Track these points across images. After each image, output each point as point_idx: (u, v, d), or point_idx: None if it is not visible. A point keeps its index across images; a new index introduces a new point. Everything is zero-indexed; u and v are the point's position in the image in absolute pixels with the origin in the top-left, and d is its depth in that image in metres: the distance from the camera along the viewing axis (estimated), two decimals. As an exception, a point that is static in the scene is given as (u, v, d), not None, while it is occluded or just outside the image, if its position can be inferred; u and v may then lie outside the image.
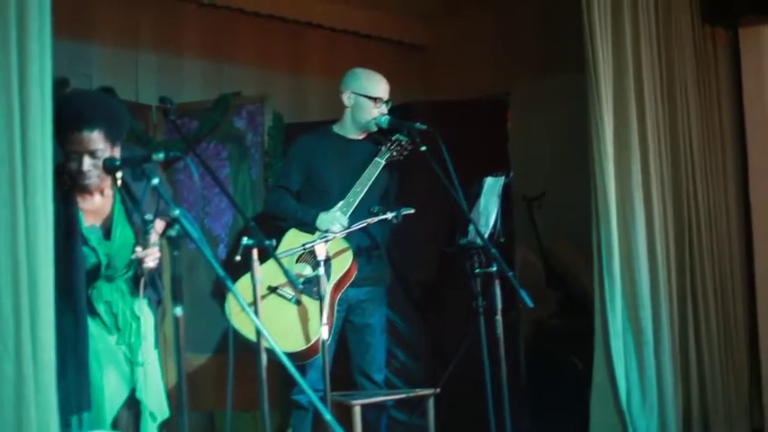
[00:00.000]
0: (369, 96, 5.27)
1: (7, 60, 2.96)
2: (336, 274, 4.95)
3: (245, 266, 3.57)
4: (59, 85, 3.71)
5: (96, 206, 3.96)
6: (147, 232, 3.72)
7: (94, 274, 3.94)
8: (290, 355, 4.57)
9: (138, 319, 4.03)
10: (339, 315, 5.14)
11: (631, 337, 5.43)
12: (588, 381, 5.41)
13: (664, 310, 5.56)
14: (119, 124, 3.82)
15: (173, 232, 3.18)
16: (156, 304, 4.15)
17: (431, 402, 5.11)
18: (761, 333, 6.35)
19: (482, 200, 5.14)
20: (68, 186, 3.83)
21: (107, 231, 3.96)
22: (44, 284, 3.02)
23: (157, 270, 4.02)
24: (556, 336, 6.73)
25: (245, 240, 3.55)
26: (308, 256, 4.92)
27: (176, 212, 3.18)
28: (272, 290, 4.92)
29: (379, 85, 5.32)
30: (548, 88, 7.09)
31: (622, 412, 5.29)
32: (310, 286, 4.79)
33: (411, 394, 5.23)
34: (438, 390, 5.12)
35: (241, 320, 4.64)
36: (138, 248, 3.78)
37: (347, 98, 5.32)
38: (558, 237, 7.06)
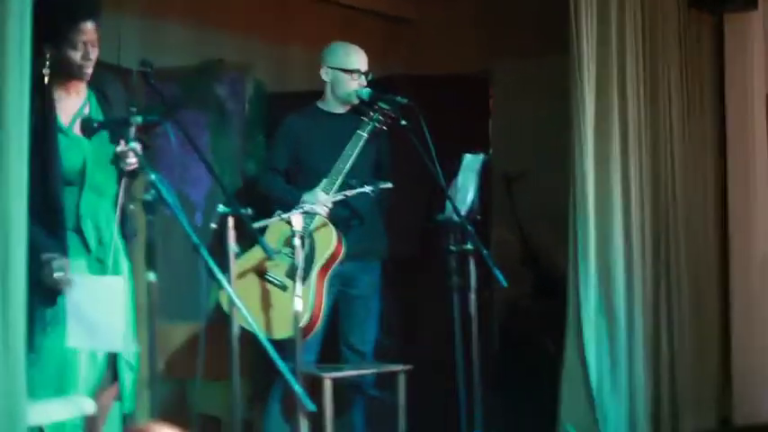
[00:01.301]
0: (345, 69, 5.26)
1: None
2: (321, 256, 4.96)
3: (221, 235, 3.56)
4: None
5: (73, 104, 4.04)
6: (128, 125, 3.71)
7: (81, 176, 3.96)
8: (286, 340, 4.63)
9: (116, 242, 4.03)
10: (333, 289, 5.16)
11: (604, 323, 5.44)
12: (560, 363, 5.42)
13: (637, 298, 5.57)
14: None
15: (148, 197, 3.17)
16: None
17: (402, 379, 5.12)
18: (733, 323, 6.39)
19: (460, 177, 5.12)
20: (47, 81, 3.93)
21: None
22: (16, 247, 3.00)
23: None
24: (529, 316, 6.74)
25: (220, 208, 3.54)
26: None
27: (152, 177, 3.17)
28: (261, 275, 4.94)
29: (354, 57, 5.29)
30: (532, 68, 7.07)
31: (592, 398, 5.31)
32: (296, 270, 4.78)
33: (382, 370, 5.24)
34: (409, 366, 5.13)
35: (223, 294, 4.66)
36: (122, 142, 3.76)
37: (325, 73, 5.30)
38: (535, 217, 7.06)
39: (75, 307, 3.66)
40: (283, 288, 4.89)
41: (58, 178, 3.87)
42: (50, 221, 3.83)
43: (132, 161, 3.83)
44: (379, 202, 5.25)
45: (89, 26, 3.91)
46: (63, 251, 3.82)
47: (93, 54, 3.96)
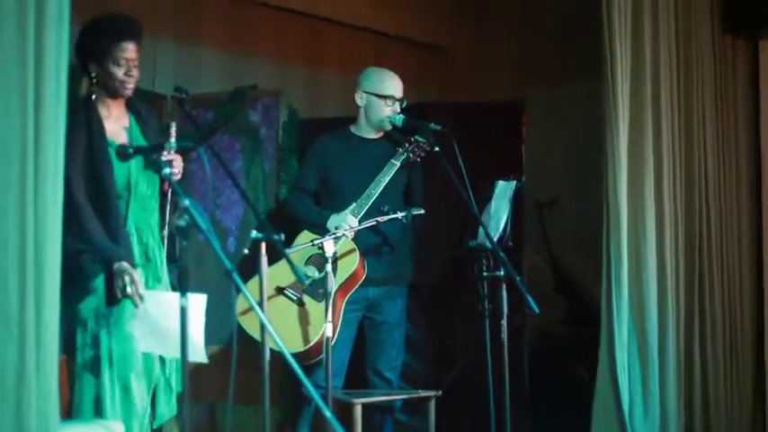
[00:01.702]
0: (379, 95, 5.27)
1: (24, 49, 2.96)
2: (341, 277, 4.96)
3: (254, 260, 3.57)
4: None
5: (116, 120, 4.16)
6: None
7: (127, 189, 4.07)
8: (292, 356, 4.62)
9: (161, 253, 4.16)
10: (355, 314, 5.19)
11: (636, 350, 5.41)
12: (591, 390, 5.39)
13: (670, 324, 5.53)
14: None
15: (182, 222, 3.19)
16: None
17: (432, 404, 5.11)
18: (767, 348, 6.33)
19: (493, 203, 5.13)
20: (94, 98, 4.09)
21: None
22: (50, 272, 3.02)
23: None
24: (561, 343, 6.71)
25: (253, 234, 3.56)
26: (317, 258, 4.93)
27: (186, 203, 3.19)
28: (280, 290, 4.94)
29: (390, 84, 5.31)
30: (565, 95, 7.07)
31: (624, 425, 5.27)
32: (315, 288, 4.82)
33: (412, 395, 5.22)
34: (440, 392, 5.12)
35: (247, 317, 4.67)
36: (164, 152, 3.96)
37: (359, 98, 5.32)
38: (568, 244, 7.04)
39: (149, 319, 3.78)
40: (300, 304, 4.91)
41: (113, 191, 3.98)
42: (111, 234, 3.92)
43: (177, 171, 4.01)
44: (411, 228, 5.25)
45: (130, 46, 4.06)
46: (128, 260, 3.92)
47: (135, 72, 4.10)
